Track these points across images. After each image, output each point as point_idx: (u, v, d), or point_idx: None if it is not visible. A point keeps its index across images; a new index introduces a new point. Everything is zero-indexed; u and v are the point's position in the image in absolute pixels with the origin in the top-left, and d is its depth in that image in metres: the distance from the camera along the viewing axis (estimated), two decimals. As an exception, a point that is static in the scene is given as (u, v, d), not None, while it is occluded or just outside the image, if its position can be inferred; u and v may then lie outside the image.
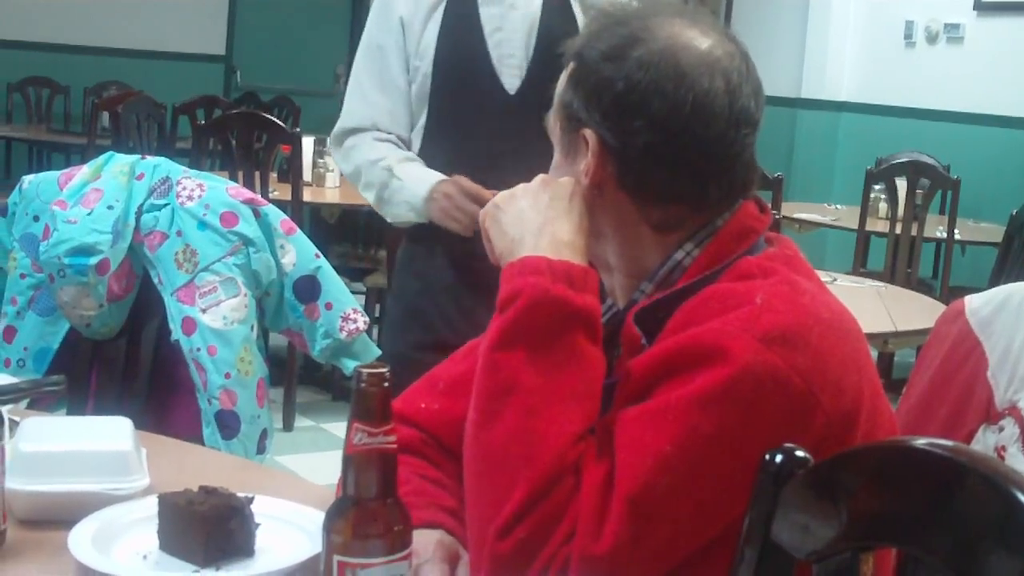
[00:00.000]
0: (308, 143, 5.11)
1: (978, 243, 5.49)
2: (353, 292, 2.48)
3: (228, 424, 2.26)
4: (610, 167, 1.29)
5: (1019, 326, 1.67)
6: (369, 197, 2.40)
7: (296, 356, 4.54)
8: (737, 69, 1.28)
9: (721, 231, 1.30)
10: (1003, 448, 1.65)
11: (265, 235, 2.30)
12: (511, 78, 2.30)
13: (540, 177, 1.33)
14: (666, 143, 1.27)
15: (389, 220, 2.40)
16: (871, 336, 2.89)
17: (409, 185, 2.30)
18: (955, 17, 6.82)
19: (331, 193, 5.23)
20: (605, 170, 1.29)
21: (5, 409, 1.40)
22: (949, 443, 0.99)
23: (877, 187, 5.34)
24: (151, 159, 2.36)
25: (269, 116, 5.17)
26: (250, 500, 1.32)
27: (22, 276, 2.29)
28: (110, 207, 2.24)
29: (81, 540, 1.28)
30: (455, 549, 1.25)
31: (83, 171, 2.33)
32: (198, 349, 2.25)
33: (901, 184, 5.14)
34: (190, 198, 2.27)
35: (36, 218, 2.28)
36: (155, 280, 2.28)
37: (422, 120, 2.35)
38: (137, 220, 2.27)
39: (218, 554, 1.28)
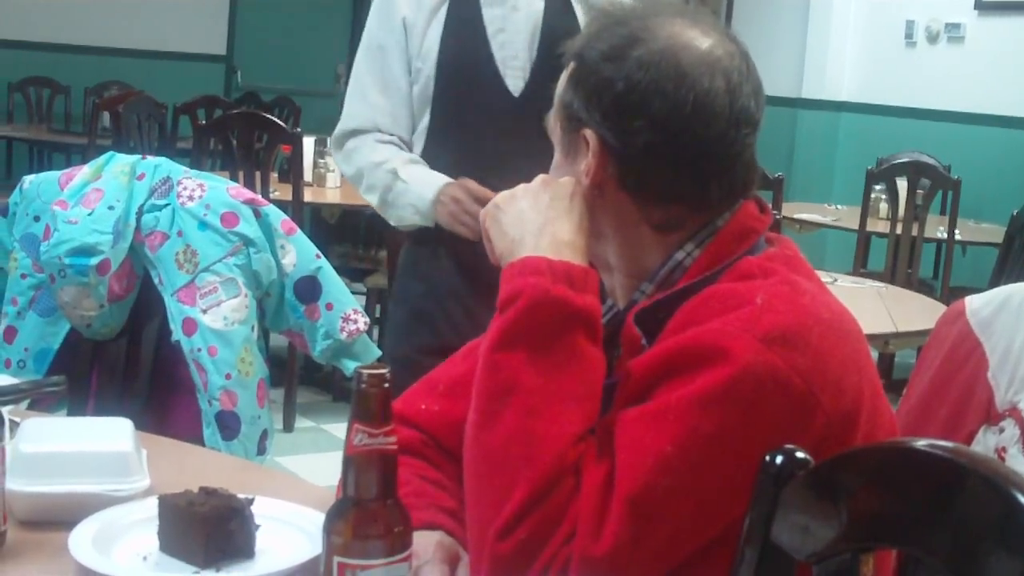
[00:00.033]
0: (309, 143, 5.11)
1: (979, 243, 5.48)
2: (354, 293, 2.47)
3: (228, 425, 2.26)
4: (610, 167, 1.29)
5: (1020, 327, 1.67)
6: (372, 200, 2.36)
7: (296, 357, 4.53)
8: (738, 69, 1.28)
9: (722, 231, 1.30)
10: (1003, 449, 1.65)
11: (266, 235, 2.30)
12: (515, 80, 2.28)
13: (540, 177, 1.33)
14: (667, 143, 1.26)
15: (393, 223, 2.37)
16: (871, 337, 2.89)
17: (414, 188, 2.28)
18: (956, 17, 6.82)
19: (332, 193, 5.22)
20: (605, 170, 1.29)
21: (5, 410, 1.40)
22: (949, 444, 0.99)
23: (878, 187, 5.34)
24: (152, 159, 2.36)
25: (270, 116, 5.16)
26: (250, 501, 1.32)
27: (23, 276, 2.29)
28: (111, 207, 2.24)
29: (81, 541, 1.28)
30: (455, 550, 1.25)
31: (84, 171, 2.33)
32: (199, 350, 2.25)
33: (902, 184, 5.13)
34: (191, 198, 2.27)
35: (37, 218, 2.28)
36: (156, 280, 2.28)
37: (424, 122, 2.33)
38: (138, 220, 2.27)
39: (218, 555, 1.28)
